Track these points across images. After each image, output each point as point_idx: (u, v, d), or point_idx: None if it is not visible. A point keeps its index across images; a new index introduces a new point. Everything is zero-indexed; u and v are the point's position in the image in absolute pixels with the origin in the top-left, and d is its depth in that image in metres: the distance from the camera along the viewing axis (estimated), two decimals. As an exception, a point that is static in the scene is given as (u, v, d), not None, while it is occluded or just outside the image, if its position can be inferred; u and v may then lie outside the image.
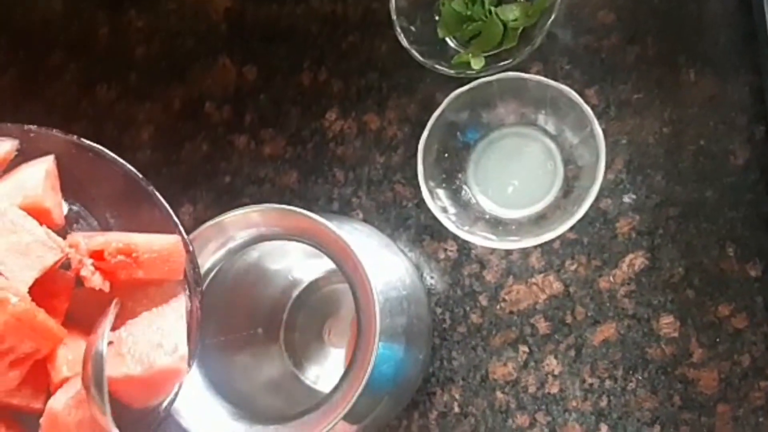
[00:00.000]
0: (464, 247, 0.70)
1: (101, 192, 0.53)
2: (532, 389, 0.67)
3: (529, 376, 0.67)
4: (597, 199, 0.61)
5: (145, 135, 0.81)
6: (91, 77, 0.84)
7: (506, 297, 0.69)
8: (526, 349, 0.68)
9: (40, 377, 0.48)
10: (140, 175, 0.51)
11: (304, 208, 0.60)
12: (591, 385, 0.66)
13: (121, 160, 0.51)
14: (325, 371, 0.72)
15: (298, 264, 0.73)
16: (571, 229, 0.62)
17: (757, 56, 0.65)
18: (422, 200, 0.65)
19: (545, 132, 0.68)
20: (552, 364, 0.67)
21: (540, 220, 0.66)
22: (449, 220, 0.64)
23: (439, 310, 0.70)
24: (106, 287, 0.48)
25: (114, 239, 0.48)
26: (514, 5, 0.69)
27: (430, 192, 0.65)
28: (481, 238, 0.64)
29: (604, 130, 0.62)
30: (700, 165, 0.66)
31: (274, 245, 0.66)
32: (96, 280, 0.47)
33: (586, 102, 0.62)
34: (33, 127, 0.51)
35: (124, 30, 0.84)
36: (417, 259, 0.71)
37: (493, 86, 0.64)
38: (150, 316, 0.48)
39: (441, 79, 0.69)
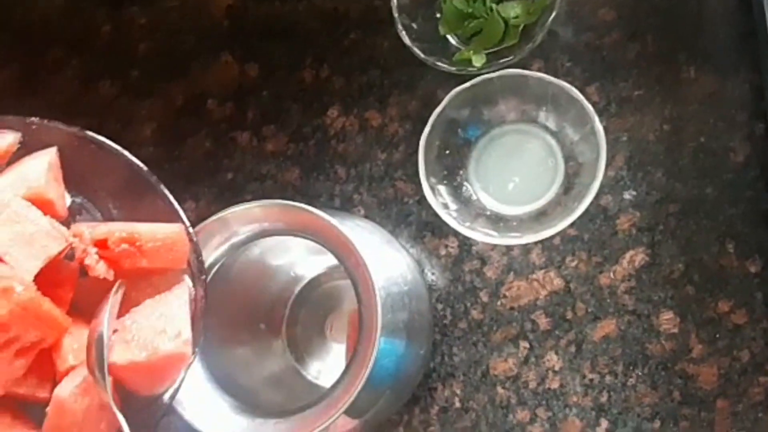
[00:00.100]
0: (465, 243, 0.71)
1: (104, 183, 0.53)
2: (532, 385, 0.67)
3: (530, 371, 0.68)
4: (597, 196, 0.62)
5: (147, 131, 0.81)
6: (92, 74, 0.84)
7: (507, 293, 0.69)
8: (527, 345, 0.68)
9: (45, 366, 0.48)
10: (143, 166, 0.51)
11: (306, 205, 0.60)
12: (591, 380, 0.66)
13: (124, 151, 0.51)
14: (326, 366, 0.72)
15: (300, 260, 0.73)
16: (572, 225, 0.62)
17: (756, 54, 0.65)
18: (423, 197, 0.65)
19: (546, 129, 0.68)
20: (552, 359, 0.67)
21: (541, 216, 0.66)
22: (450, 217, 0.65)
23: (440, 306, 0.70)
24: (110, 276, 0.48)
25: (118, 229, 0.48)
26: (515, 2, 0.69)
27: (432, 188, 0.65)
28: (482, 235, 0.64)
29: (604, 127, 0.62)
30: (700, 162, 0.66)
31: (277, 241, 0.66)
32: (100, 269, 0.47)
33: (587, 99, 0.62)
34: (35, 120, 0.51)
35: (126, 27, 0.84)
36: (418, 255, 0.72)
37: (494, 83, 0.65)
38: (153, 304, 0.48)
39: (442, 76, 0.70)
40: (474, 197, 0.69)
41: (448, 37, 0.72)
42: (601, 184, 0.61)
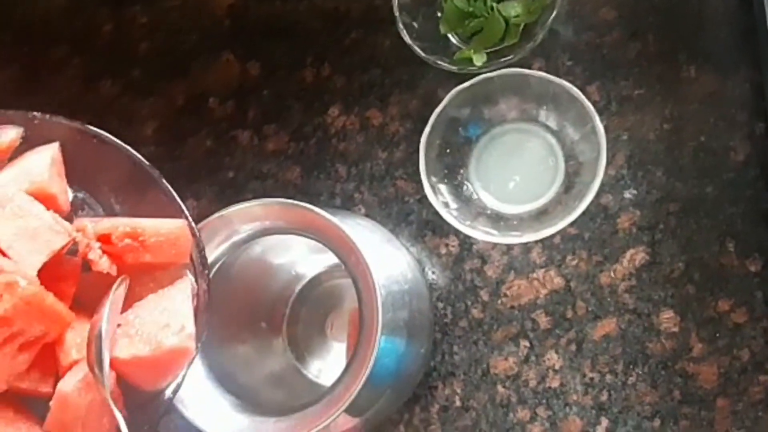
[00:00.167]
0: (466, 242, 0.71)
1: (106, 178, 0.53)
2: (533, 383, 0.67)
3: (530, 370, 0.68)
4: (598, 195, 0.62)
5: (148, 130, 0.81)
6: (94, 72, 0.84)
7: (507, 292, 0.69)
8: (527, 344, 0.68)
9: (48, 361, 0.48)
10: (145, 161, 0.51)
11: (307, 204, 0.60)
12: (591, 379, 0.66)
13: (126, 146, 0.50)
14: (327, 365, 0.72)
15: (301, 258, 0.73)
16: (572, 224, 0.62)
17: (757, 53, 0.65)
18: (424, 195, 0.65)
19: (547, 128, 0.68)
20: (553, 358, 0.67)
21: (541, 215, 0.66)
22: (451, 215, 0.65)
23: (440, 305, 0.70)
24: (114, 270, 0.48)
25: (121, 223, 0.48)
26: (516, 2, 0.69)
27: (432, 187, 0.65)
28: (482, 233, 0.64)
29: (605, 126, 0.62)
30: (700, 161, 0.66)
31: (278, 240, 0.66)
32: (103, 264, 0.47)
33: (588, 98, 0.62)
34: (37, 115, 0.51)
35: (128, 26, 0.84)
36: (419, 254, 0.72)
37: (494, 82, 0.65)
38: (156, 298, 0.48)
39: (443, 75, 0.70)
40: (475, 196, 0.69)
41: (449, 36, 0.72)
42: (602, 183, 0.61)
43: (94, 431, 0.47)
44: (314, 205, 0.60)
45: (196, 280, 0.50)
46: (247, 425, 0.60)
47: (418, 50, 0.69)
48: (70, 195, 0.52)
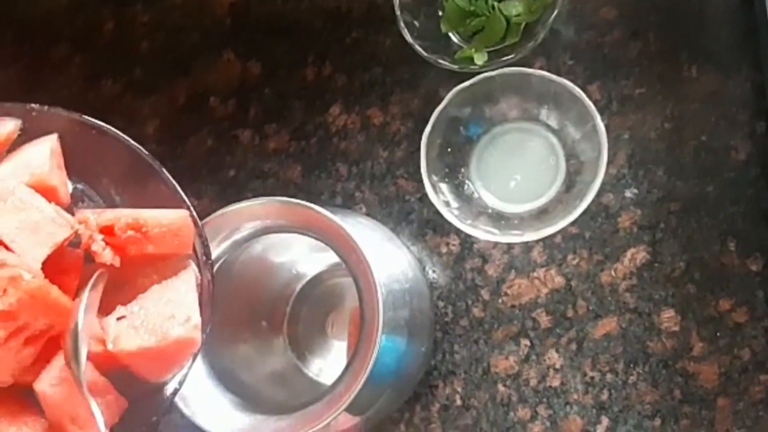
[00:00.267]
0: (466, 241, 0.71)
1: (106, 170, 0.53)
2: (533, 382, 0.67)
3: (531, 369, 0.68)
4: (599, 194, 0.62)
5: (149, 129, 0.82)
6: (96, 71, 0.84)
7: (508, 291, 0.69)
8: (528, 343, 0.68)
9: (52, 354, 0.47)
10: (145, 151, 0.50)
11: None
12: (592, 378, 0.66)
13: (125, 137, 0.50)
14: (327, 364, 0.72)
15: (301, 257, 0.73)
16: (573, 223, 0.62)
17: (758, 52, 0.65)
18: (425, 194, 0.65)
19: (548, 127, 0.68)
20: (553, 357, 0.67)
21: (542, 214, 0.66)
22: (452, 215, 0.65)
23: (441, 304, 0.70)
24: (117, 262, 0.47)
25: (123, 214, 0.47)
26: (517, 1, 0.69)
27: (433, 186, 0.65)
28: (483, 233, 0.64)
29: (606, 125, 0.62)
30: (701, 160, 0.67)
31: (279, 238, 0.66)
32: (107, 255, 0.47)
33: (589, 97, 0.62)
34: (35, 106, 0.51)
35: (129, 24, 0.84)
36: (420, 253, 0.72)
37: (495, 81, 0.65)
38: (160, 290, 0.48)
39: (444, 74, 0.70)
40: (475, 195, 0.69)
41: (450, 35, 0.72)
42: (603, 182, 0.61)
43: (85, 424, 0.46)
44: (315, 203, 0.60)
45: (200, 271, 0.50)
46: (247, 424, 0.60)
47: (420, 49, 0.69)
48: (70, 187, 0.52)
